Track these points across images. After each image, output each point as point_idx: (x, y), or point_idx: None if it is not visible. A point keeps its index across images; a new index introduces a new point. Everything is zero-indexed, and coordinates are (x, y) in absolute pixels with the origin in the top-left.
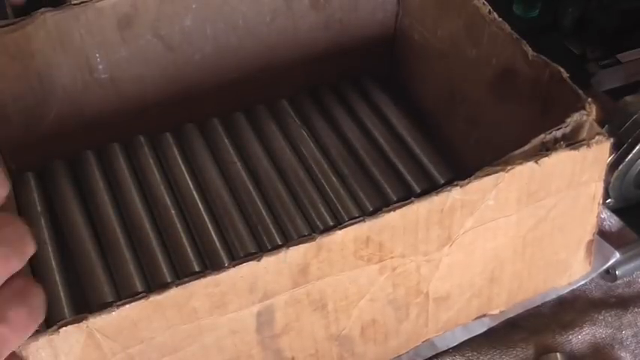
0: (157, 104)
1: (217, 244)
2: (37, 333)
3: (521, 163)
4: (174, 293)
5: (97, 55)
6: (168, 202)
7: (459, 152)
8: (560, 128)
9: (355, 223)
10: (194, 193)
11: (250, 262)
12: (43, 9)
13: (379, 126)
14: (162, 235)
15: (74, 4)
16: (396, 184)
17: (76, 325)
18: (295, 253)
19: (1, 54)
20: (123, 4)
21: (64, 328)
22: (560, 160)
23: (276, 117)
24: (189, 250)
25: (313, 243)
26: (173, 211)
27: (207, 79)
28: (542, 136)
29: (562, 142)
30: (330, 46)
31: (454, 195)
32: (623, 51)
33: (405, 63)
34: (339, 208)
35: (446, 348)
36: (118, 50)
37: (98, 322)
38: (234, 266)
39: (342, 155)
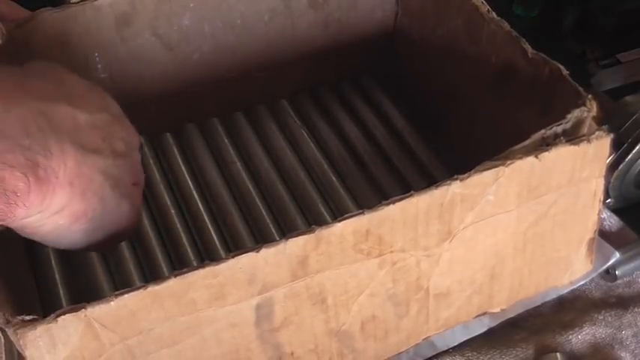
0: (157, 103)
1: (217, 243)
2: (35, 321)
3: (521, 158)
4: (172, 284)
5: (96, 54)
6: (168, 202)
7: (460, 151)
8: (561, 124)
9: (355, 215)
10: (194, 192)
11: (249, 254)
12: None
13: (379, 126)
14: (162, 234)
15: (73, 4)
16: (396, 184)
17: (74, 314)
18: (294, 245)
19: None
20: (121, 3)
21: (62, 316)
22: (561, 155)
23: (276, 117)
24: (188, 249)
25: (312, 235)
26: (173, 211)
27: (206, 78)
28: (542, 131)
29: (562, 138)
30: (329, 45)
31: (454, 189)
32: (623, 51)
33: (404, 62)
34: (339, 208)
35: (446, 348)
36: (116, 49)
37: (96, 311)
38: (233, 257)
39: (342, 155)
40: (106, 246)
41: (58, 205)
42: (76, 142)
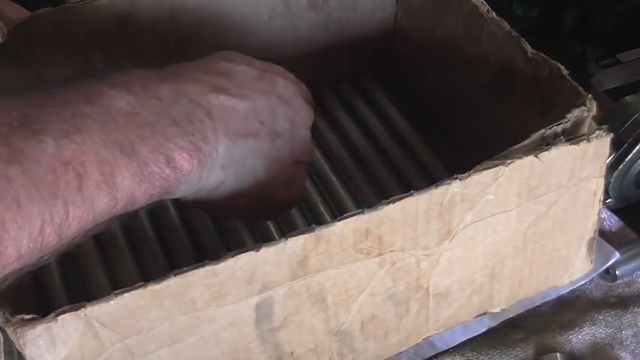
0: None
1: (216, 242)
2: (35, 321)
3: (521, 157)
4: (172, 283)
5: (96, 53)
6: (167, 201)
7: (460, 151)
8: (561, 123)
9: (354, 215)
10: None
11: (249, 253)
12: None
13: (379, 126)
14: (162, 233)
15: (73, 3)
16: (396, 183)
17: (74, 313)
18: (294, 244)
19: (0, 53)
20: (121, 2)
21: (61, 315)
22: (561, 154)
23: None
24: (188, 248)
25: (312, 234)
26: (172, 210)
27: None
28: (542, 130)
29: (562, 137)
30: (329, 45)
31: (454, 188)
32: (623, 51)
33: (404, 62)
34: (339, 207)
35: (446, 348)
36: (116, 49)
37: (96, 310)
38: (232, 256)
39: (342, 155)
40: (266, 218)
41: (212, 184)
42: (230, 130)
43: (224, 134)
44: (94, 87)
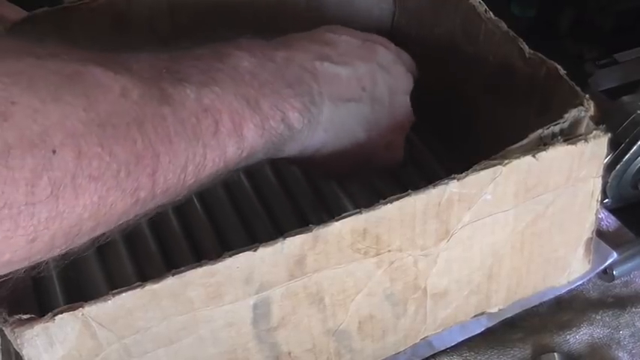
0: None
1: (214, 242)
2: (33, 320)
3: (518, 157)
4: (170, 282)
5: None
6: None
7: (457, 151)
8: (558, 123)
9: (352, 215)
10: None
11: (246, 253)
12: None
13: None
14: (159, 232)
15: (69, 4)
16: (394, 183)
17: (71, 312)
18: (291, 244)
19: None
20: (117, 2)
21: (59, 315)
22: (558, 154)
23: None
24: (185, 247)
25: (310, 234)
26: (169, 209)
27: None
28: (540, 130)
29: (560, 137)
30: None
31: (451, 188)
32: (620, 51)
33: None
34: (337, 209)
35: (443, 348)
36: (114, 49)
37: (94, 310)
38: (230, 256)
39: None
40: (367, 179)
41: (315, 145)
42: (333, 94)
43: (328, 98)
44: (224, 48)
